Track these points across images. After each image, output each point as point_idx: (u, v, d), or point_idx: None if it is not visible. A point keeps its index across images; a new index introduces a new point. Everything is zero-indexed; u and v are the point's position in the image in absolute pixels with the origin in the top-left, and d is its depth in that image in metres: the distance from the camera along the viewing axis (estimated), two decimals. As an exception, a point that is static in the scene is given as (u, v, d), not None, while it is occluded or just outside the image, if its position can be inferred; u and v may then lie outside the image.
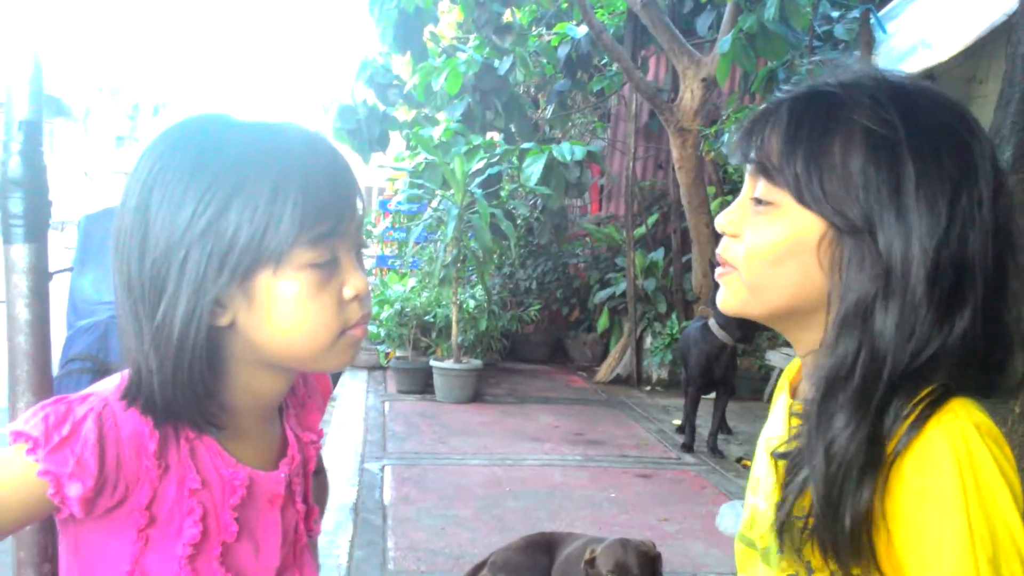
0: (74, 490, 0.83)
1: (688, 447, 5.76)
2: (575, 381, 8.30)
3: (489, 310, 7.60)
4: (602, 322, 8.67)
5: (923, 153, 0.83)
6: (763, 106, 0.93)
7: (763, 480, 0.98)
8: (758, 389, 7.41)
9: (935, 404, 0.80)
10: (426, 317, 7.38)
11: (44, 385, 1.57)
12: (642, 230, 8.64)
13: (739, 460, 5.63)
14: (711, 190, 7.92)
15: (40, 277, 1.55)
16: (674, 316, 7.98)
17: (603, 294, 8.62)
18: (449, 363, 6.95)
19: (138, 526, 0.88)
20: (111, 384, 0.90)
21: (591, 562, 2.98)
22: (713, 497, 4.82)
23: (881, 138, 0.83)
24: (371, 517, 4.21)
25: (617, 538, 3.09)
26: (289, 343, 0.90)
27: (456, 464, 5.25)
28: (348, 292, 0.91)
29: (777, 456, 0.90)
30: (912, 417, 0.80)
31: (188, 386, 0.87)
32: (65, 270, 2.08)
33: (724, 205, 7.90)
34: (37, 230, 1.54)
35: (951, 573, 0.77)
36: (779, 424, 1.00)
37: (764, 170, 0.89)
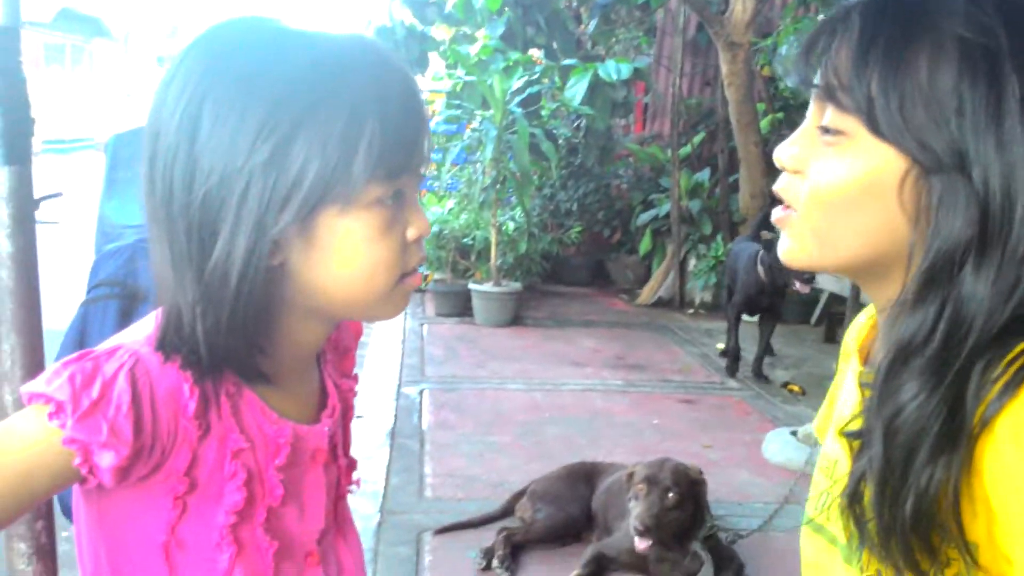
0: (107, 460, 0.73)
1: (732, 372, 5.63)
2: (616, 304, 8.18)
3: (529, 232, 7.45)
4: (644, 244, 8.48)
5: None
6: (828, 17, 0.77)
7: (840, 463, 0.84)
8: (806, 313, 7.23)
9: None
10: (464, 240, 7.27)
11: (32, 325, 1.46)
12: (688, 149, 8.37)
13: (785, 385, 5.51)
14: (761, 107, 7.62)
15: (23, 204, 1.42)
16: (719, 238, 7.77)
17: (646, 216, 8.42)
18: (488, 286, 6.85)
19: (175, 493, 0.79)
20: (140, 333, 0.79)
21: (631, 476, 2.93)
22: (759, 423, 4.71)
23: (979, 49, 0.68)
24: (408, 442, 4.18)
25: (662, 456, 3.03)
26: (348, 288, 0.80)
27: (495, 389, 5.19)
28: (412, 233, 0.82)
29: (848, 436, 0.76)
30: (1006, 378, 0.66)
31: (240, 334, 0.77)
32: (52, 195, 1.96)
33: (775, 124, 7.64)
34: (19, 151, 1.39)
35: None
36: (851, 395, 0.85)
37: (831, 92, 0.73)
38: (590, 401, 5.03)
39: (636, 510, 2.83)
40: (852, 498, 0.73)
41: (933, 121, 0.69)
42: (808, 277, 5.22)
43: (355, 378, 1.01)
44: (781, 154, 0.79)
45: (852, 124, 0.73)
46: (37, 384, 0.74)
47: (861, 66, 0.72)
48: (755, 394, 5.32)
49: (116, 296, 2.84)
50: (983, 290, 0.68)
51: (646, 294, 8.16)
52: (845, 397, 0.88)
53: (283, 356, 0.84)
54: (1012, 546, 0.66)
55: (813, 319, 7.18)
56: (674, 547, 2.90)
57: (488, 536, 3.21)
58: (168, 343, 0.76)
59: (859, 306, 4.43)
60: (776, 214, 0.80)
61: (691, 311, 7.85)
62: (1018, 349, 0.67)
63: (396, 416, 4.56)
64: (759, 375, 5.61)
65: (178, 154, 0.75)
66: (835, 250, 0.76)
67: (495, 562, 3.06)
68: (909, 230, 0.72)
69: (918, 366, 0.69)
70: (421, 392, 5.02)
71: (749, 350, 5.72)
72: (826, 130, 0.75)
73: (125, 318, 2.84)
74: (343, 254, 0.78)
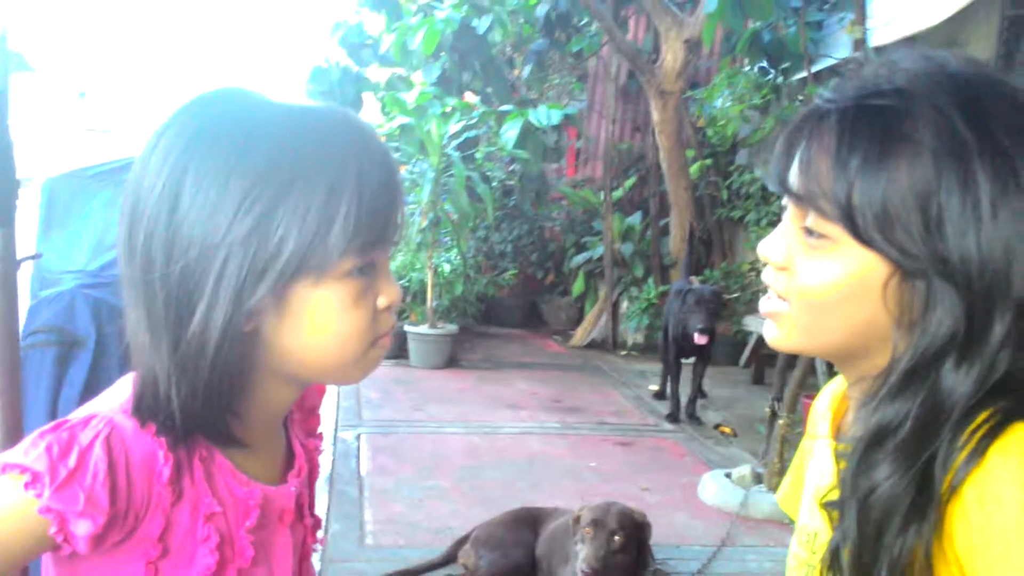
0: (82, 528, 0.73)
1: (674, 417, 5.71)
2: (550, 345, 8.25)
3: (464, 274, 7.50)
4: (578, 286, 8.61)
5: (999, 165, 0.71)
6: (800, 117, 0.80)
7: (821, 534, 0.87)
8: (735, 355, 7.39)
9: (996, 429, 0.70)
10: (400, 281, 7.26)
11: (11, 386, 1.43)
12: (619, 193, 8.55)
13: (717, 427, 5.62)
14: (690, 153, 7.83)
15: (8, 266, 1.40)
16: (651, 280, 7.92)
17: (579, 258, 8.55)
18: (424, 328, 6.85)
19: (148, 558, 0.79)
20: (115, 400, 0.80)
21: (577, 519, 2.96)
22: (694, 465, 4.79)
23: (951, 157, 0.71)
24: (347, 488, 4.13)
25: (608, 500, 3.06)
26: (320, 355, 0.81)
27: (433, 432, 5.18)
28: (382, 302, 0.83)
29: (828, 507, 0.80)
30: (971, 446, 0.70)
31: (215, 402, 0.78)
32: (32, 257, 1.94)
33: (703, 169, 7.85)
34: (4, 214, 1.38)
35: None
36: (827, 467, 0.89)
37: (813, 199, 0.76)
38: (528, 444, 5.05)
39: (583, 552, 2.86)
40: (831, 566, 0.77)
41: (914, 229, 0.72)
42: (703, 328, 5.38)
43: (320, 436, 1.02)
44: (767, 251, 0.82)
45: (835, 230, 0.76)
46: (14, 455, 0.74)
47: (841, 175, 0.74)
48: (688, 436, 5.41)
49: (54, 343, 2.78)
50: (962, 383, 0.72)
51: (579, 336, 8.25)
52: (821, 469, 0.91)
53: (255, 420, 0.85)
54: None
55: (742, 361, 7.35)
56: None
57: (431, 584, 3.19)
58: (144, 409, 0.77)
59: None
60: (764, 306, 0.84)
61: (624, 352, 7.97)
62: (981, 418, 0.71)
63: (334, 461, 4.50)
64: (692, 417, 5.71)
65: (158, 224, 0.75)
66: (820, 342, 0.81)
67: (439, 610, 3.04)
68: (891, 327, 0.76)
69: (892, 448, 0.73)
70: (358, 436, 4.97)
71: (681, 393, 5.82)
72: (810, 232, 0.78)
73: (62, 365, 2.78)
74: (316, 323, 0.79)
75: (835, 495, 0.79)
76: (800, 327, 0.81)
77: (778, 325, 0.83)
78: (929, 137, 0.72)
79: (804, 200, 0.77)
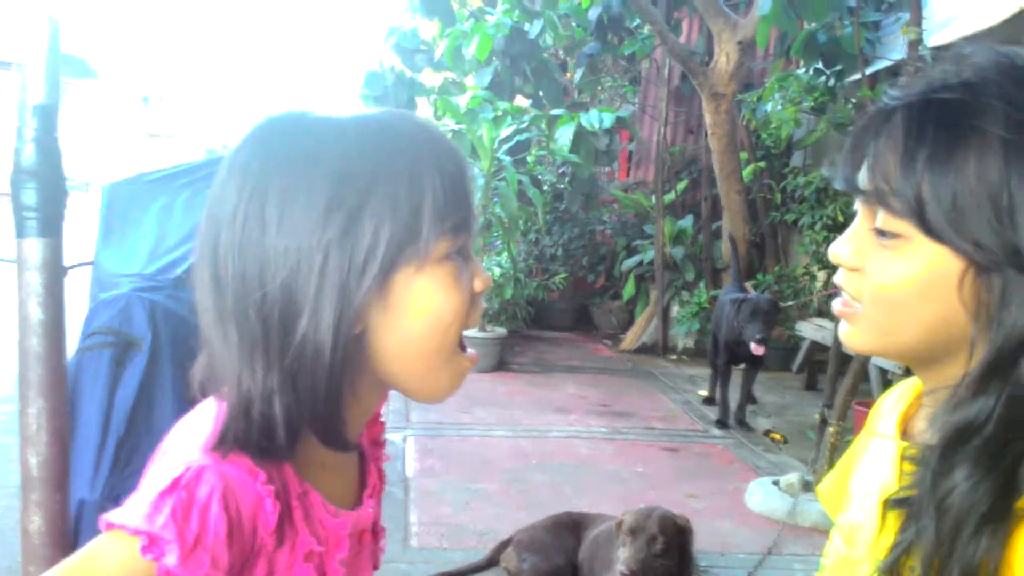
0: None
1: (723, 423, 5.66)
2: (600, 350, 8.23)
3: (515, 277, 7.52)
4: (628, 289, 8.56)
5: None
6: (867, 116, 0.79)
7: (866, 528, 0.86)
8: (788, 360, 7.30)
9: None
10: (451, 284, 7.31)
11: (58, 390, 1.49)
12: (671, 196, 8.50)
13: (766, 433, 5.56)
14: (743, 156, 7.76)
15: (55, 274, 1.46)
16: (702, 284, 7.86)
17: (630, 261, 8.51)
18: (474, 331, 6.88)
19: None
20: (203, 437, 0.78)
21: (620, 524, 2.97)
22: (742, 472, 4.75)
23: (1020, 149, 0.70)
24: (393, 490, 4.17)
25: (651, 505, 3.06)
26: (422, 343, 0.81)
27: (481, 435, 5.21)
28: (478, 284, 0.84)
29: (893, 504, 0.78)
30: None
31: (332, 405, 0.78)
32: (82, 264, 2.01)
33: (756, 172, 7.76)
34: (52, 223, 1.44)
35: None
36: (883, 466, 0.87)
37: (882, 197, 0.75)
38: (575, 448, 5.05)
39: (623, 555, 2.87)
40: (891, 568, 0.75)
41: (986, 221, 0.71)
42: (762, 338, 5.31)
43: (383, 444, 1.02)
44: (839, 252, 0.81)
45: (906, 227, 0.75)
46: (134, 518, 0.72)
47: (909, 170, 0.73)
48: (737, 442, 5.37)
49: (110, 345, 2.88)
50: None
51: (630, 340, 8.22)
52: (877, 467, 0.89)
53: (353, 428, 0.85)
54: None
55: (795, 367, 7.25)
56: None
57: (474, 586, 3.22)
58: (235, 436, 0.76)
59: (841, 356, 4.50)
60: (837, 307, 0.83)
61: (674, 357, 7.92)
62: None
63: (382, 463, 4.56)
64: (742, 423, 5.66)
65: (246, 248, 0.76)
66: (896, 341, 0.79)
67: (481, 613, 3.07)
68: (969, 322, 0.74)
69: (974, 449, 0.71)
70: (405, 439, 5.02)
71: (731, 398, 5.78)
72: (881, 232, 0.77)
73: (118, 366, 2.88)
74: (419, 307, 0.79)
75: (902, 494, 0.78)
76: (875, 327, 0.80)
77: (854, 327, 0.82)
78: (998, 128, 0.71)
79: (873, 198, 0.77)
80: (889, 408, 0.93)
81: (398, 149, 0.79)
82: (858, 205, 0.81)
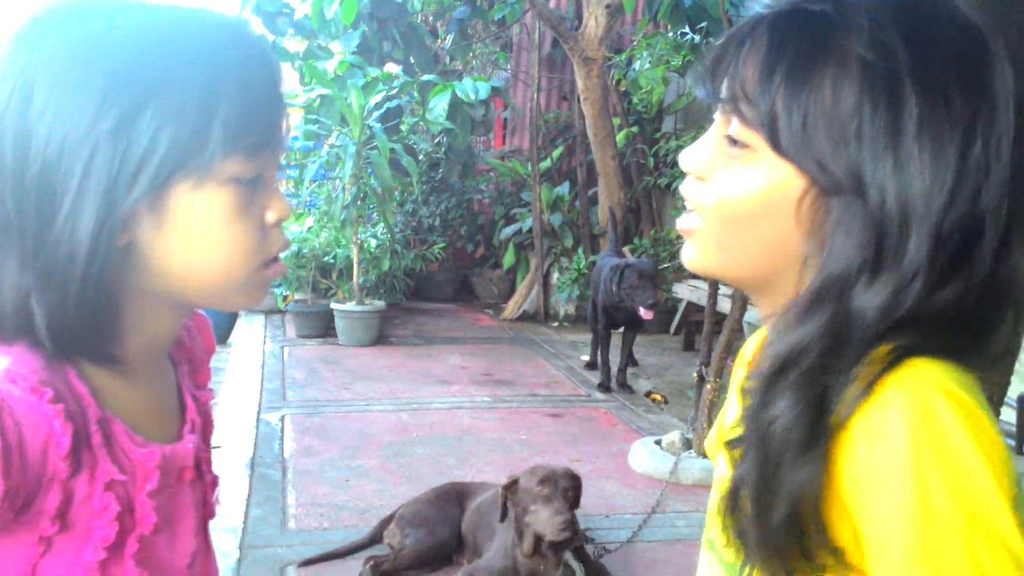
0: None
1: (605, 387, 5.67)
2: (482, 319, 8.17)
3: (392, 249, 7.35)
4: (508, 258, 8.53)
5: (930, 89, 0.66)
6: (737, 25, 0.75)
7: (725, 473, 0.82)
8: (666, 322, 7.41)
9: (893, 363, 0.65)
10: (325, 258, 7.10)
11: None
12: (547, 164, 8.47)
13: (648, 394, 5.62)
14: (616, 121, 7.79)
15: None
16: (580, 251, 7.88)
17: (509, 230, 8.47)
18: (351, 305, 6.70)
19: (41, 533, 0.71)
20: None
21: (510, 486, 2.85)
22: (625, 434, 4.77)
23: (880, 71, 0.67)
24: (269, 472, 4.00)
25: (538, 464, 3.00)
26: (203, 272, 0.75)
27: (360, 411, 5.06)
28: (271, 216, 0.78)
29: (731, 445, 0.74)
30: (863, 379, 0.65)
31: (89, 318, 0.71)
32: None
33: (630, 137, 7.82)
34: None
35: (900, 571, 0.62)
36: (733, 406, 0.84)
37: (736, 104, 0.72)
38: (458, 419, 4.96)
39: (544, 515, 2.71)
40: (732, 507, 0.72)
41: (833, 143, 0.68)
42: (652, 303, 5.35)
43: (210, 391, 0.96)
44: (687, 159, 0.77)
45: (755, 138, 0.72)
46: None
47: (767, 81, 0.70)
48: (620, 405, 5.39)
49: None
50: (870, 310, 0.67)
51: (511, 308, 8.19)
52: (731, 410, 0.87)
53: (134, 348, 0.78)
54: (867, 547, 0.65)
55: (672, 328, 7.37)
56: (548, 557, 2.85)
57: (356, 566, 3.09)
58: (8, 328, 0.70)
59: (717, 315, 4.56)
60: (681, 223, 0.80)
61: (556, 324, 7.93)
62: (881, 351, 0.66)
63: (256, 444, 4.36)
64: (624, 386, 5.69)
65: (6, 122, 0.69)
66: (734, 260, 0.76)
67: (364, 593, 2.95)
68: (804, 246, 0.72)
69: (795, 377, 0.68)
70: (282, 418, 4.82)
71: (612, 362, 5.80)
72: (732, 141, 0.74)
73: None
74: (197, 234, 0.73)
75: (737, 432, 0.74)
76: (714, 243, 0.76)
77: (695, 245, 0.78)
78: (860, 49, 0.67)
79: (729, 105, 0.73)
80: (747, 357, 0.91)
81: (197, 52, 0.72)
82: (716, 115, 0.76)
